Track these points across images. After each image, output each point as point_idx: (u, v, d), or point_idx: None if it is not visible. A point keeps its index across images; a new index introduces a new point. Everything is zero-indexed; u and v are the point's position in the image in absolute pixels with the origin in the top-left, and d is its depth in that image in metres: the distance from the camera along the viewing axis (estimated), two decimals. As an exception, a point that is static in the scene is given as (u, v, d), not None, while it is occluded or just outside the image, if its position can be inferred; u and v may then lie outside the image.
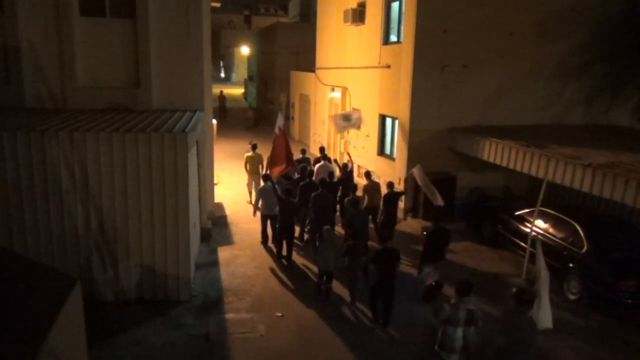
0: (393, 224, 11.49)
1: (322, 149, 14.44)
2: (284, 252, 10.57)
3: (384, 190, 11.84)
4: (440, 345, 6.38)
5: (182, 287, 8.80)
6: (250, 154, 14.30)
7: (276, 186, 10.89)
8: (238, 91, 48.47)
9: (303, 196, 11.18)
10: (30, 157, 8.04)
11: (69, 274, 6.56)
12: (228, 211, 13.59)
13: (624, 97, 14.51)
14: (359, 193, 12.38)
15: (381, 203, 11.65)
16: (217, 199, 13.67)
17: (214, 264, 10.54)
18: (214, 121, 13.84)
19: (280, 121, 13.94)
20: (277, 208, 10.58)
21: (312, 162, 14.08)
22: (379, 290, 8.15)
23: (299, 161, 13.88)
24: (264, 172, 12.84)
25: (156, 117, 9.79)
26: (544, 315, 6.65)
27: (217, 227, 12.40)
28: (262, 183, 11.87)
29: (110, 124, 8.89)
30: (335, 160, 14.97)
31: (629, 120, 14.58)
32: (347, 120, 14.50)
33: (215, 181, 13.75)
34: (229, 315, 8.54)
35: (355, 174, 13.89)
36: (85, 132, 8.14)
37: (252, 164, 14.21)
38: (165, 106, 10.81)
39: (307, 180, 11.85)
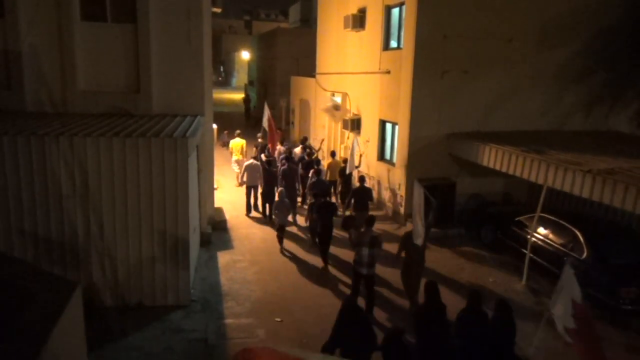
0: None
1: (304, 137, 18.43)
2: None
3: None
4: (354, 261, 8.86)
5: (182, 292, 8.79)
6: (236, 140, 17.47)
7: (262, 160, 13.98)
8: (238, 96, 48.77)
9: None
10: (30, 161, 8.05)
11: (69, 278, 6.56)
12: (228, 216, 13.58)
13: (623, 104, 14.53)
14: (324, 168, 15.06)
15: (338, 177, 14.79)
16: (216, 204, 13.67)
17: (214, 268, 10.54)
18: (214, 126, 14.02)
19: (267, 112, 17.70)
20: (259, 179, 13.82)
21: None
22: (321, 233, 10.86)
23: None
24: (257, 153, 15.84)
25: (156, 122, 9.81)
26: (416, 235, 8.82)
27: (216, 231, 12.40)
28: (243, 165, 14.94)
29: (111, 128, 8.90)
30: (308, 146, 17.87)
31: (628, 127, 14.60)
32: (336, 110, 18.35)
33: (215, 186, 13.82)
34: (228, 320, 8.53)
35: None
36: (85, 137, 8.16)
37: (236, 148, 17.44)
38: (166, 111, 10.83)
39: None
